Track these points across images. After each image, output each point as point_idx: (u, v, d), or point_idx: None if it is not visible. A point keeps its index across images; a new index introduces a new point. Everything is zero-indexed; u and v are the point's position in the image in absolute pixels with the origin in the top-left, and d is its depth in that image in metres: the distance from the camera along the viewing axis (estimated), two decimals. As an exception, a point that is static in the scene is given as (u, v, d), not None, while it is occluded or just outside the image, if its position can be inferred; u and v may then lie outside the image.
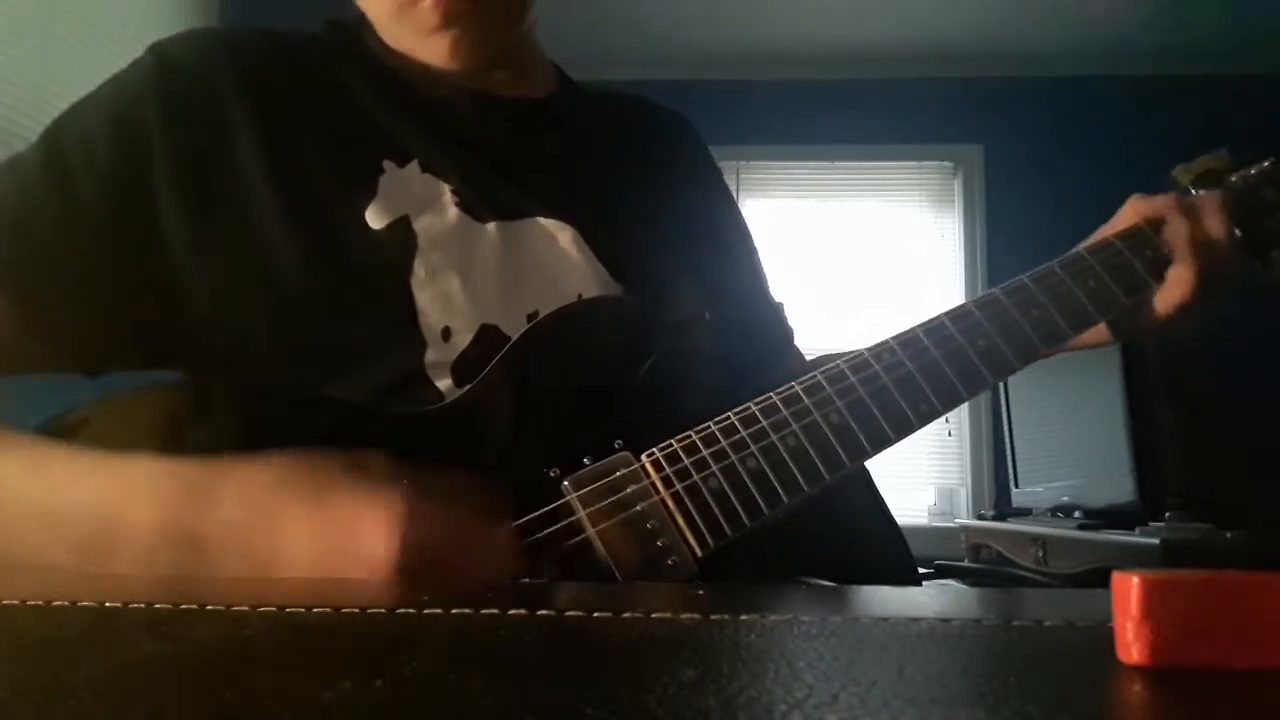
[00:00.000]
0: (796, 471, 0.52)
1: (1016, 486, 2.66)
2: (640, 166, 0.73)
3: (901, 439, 0.55)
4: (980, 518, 2.77)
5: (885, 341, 0.58)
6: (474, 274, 0.60)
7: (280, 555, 0.43)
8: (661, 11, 3.13)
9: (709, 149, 0.81)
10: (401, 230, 0.59)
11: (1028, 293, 0.62)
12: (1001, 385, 2.57)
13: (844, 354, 0.58)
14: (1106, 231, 0.70)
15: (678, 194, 0.74)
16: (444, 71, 0.65)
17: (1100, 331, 0.70)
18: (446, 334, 0.57)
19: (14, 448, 0.48)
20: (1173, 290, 0.66)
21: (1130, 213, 0.70)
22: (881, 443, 0.54)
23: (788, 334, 0.79)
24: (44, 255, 0.55)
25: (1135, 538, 1.67)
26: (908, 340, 0.58)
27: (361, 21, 0.67)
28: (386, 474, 0.44)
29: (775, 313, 0.79)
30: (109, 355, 0.58)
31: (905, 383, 0.56)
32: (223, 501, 0.43)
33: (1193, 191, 0.74)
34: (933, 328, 0.59)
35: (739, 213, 0.81)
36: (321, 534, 0.42)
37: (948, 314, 0.60)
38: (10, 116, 1.76)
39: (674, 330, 0.58)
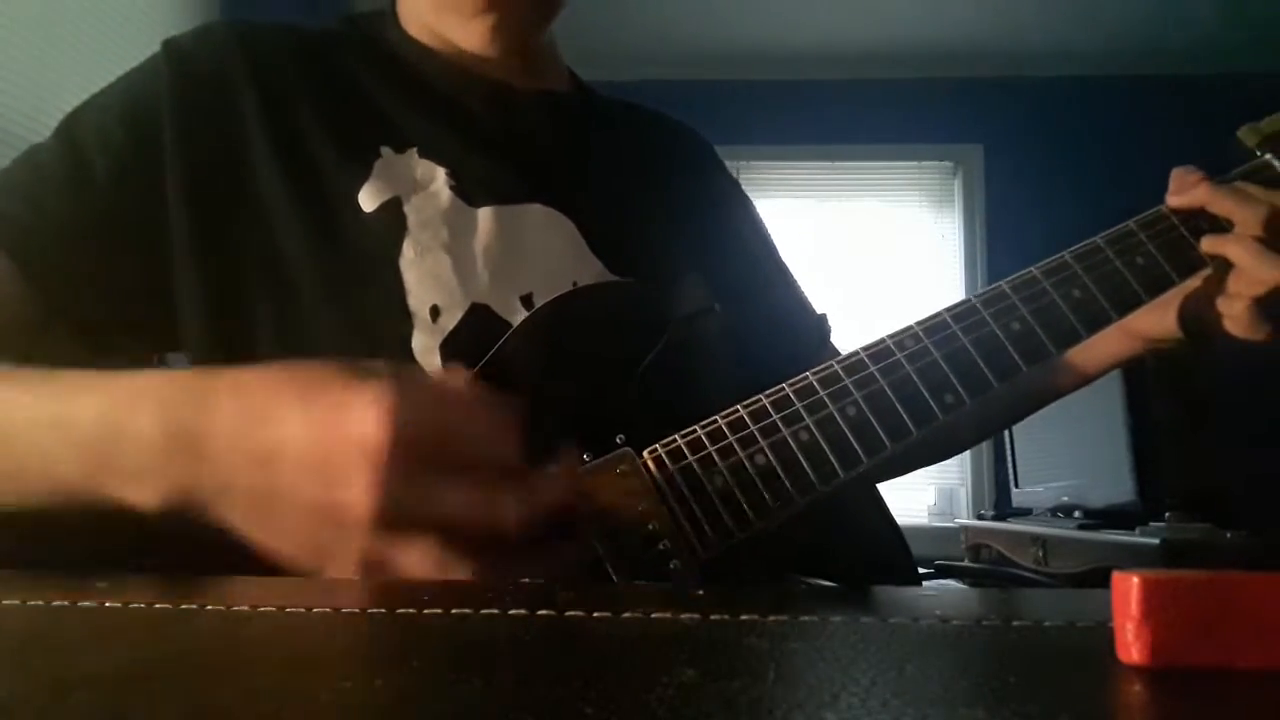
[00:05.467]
0: (809, 469, 0.49)
1: (1016, 486, 2.66)
2: (649, 169, 0.72)
3: (924, 433, 0.51)
4: (980, 518, 2.77)
5: (909, 327, 0.54)
6: (464, 254, 0.59)
7: (277, 448, 0.41)
8: (662, 11, 3.13)
9: (724, 164, 0.81)
10: (392, 212, 0.59)
11: (1068, 271, 0.57)
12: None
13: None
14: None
15: (688, 198, 0.73)
16: (463, 62, 0.66)
17: (1168, 325, 0.66)
18: (435, 313, 0.57)
19: (18, 373, 0.49)
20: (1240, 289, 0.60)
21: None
22: (902, 438, 0.51)
23: (822, 339, 0.77)
24: (53, 228, 0.57)
25: (1135, 538, 1.67)
26: (933, 326, 0.54)
27: (381, 16, 0.69)
28: (385, 371, 0.41)
29: (809, 318, 0.78)
30: (110, 330, 0.59)
31: (929, 372, 0.52)
32: (221, 401, 0.42)
33: (1259, 154, 0.67)
34: (961, 312, 0.54)
35: (760, 222, 0.80)
36: (315, 421, 0.40)
37: (978, 296, 0.55)
38: (10, 116, 1.76)
39: (682, 321, 0.56)
